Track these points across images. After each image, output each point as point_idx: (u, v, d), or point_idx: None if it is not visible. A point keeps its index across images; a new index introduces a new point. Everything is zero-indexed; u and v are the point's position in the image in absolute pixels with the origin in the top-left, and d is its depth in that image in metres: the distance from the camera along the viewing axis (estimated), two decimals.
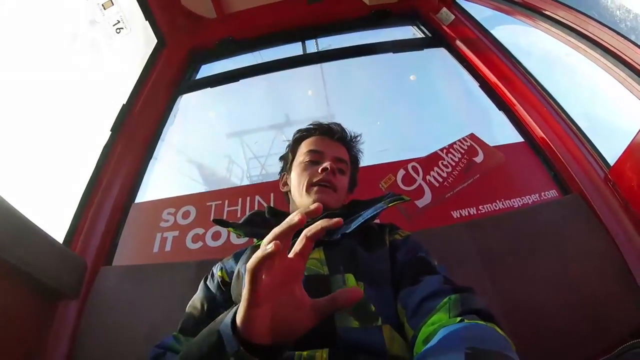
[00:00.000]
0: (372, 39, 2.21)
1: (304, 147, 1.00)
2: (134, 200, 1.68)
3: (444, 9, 1.97)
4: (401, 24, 2.25)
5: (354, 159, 1.07)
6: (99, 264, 1.41)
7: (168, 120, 2.00)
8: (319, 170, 0.92)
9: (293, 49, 2.25)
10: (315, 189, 0.91)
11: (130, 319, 1.21)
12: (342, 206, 0.98)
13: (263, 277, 0.45)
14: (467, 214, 1.41)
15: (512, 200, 1.42)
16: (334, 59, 2.17)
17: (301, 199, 0.93)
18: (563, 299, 1.08)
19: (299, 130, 1.07)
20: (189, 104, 2.12)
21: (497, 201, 1.42)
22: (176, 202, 1.64)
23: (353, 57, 2.13)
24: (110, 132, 1.77)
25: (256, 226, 0.94)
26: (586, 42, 1.37)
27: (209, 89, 2.16)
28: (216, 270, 0.91)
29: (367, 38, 2.24)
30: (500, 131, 1.70)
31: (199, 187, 1.88)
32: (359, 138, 1.08)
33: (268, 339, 0.48)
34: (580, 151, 1.42)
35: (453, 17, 1.95)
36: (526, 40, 1.79)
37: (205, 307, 0.83)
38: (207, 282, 0.90)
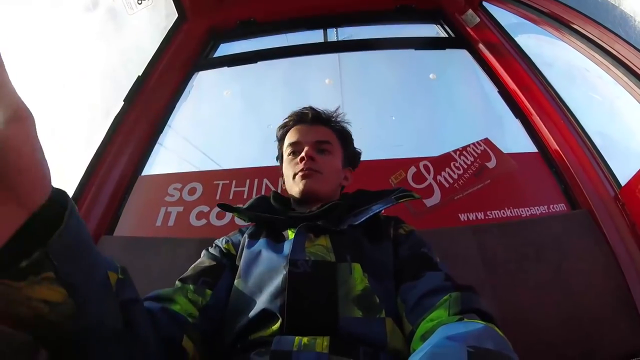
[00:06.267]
0: (393, 33, 2.20)
1: (285, 142, 1.01)
2: (141, 173, 1.68)
3: (470, 11, 1.94)
4: (425, 21, 2.23)
5: (342, 133, 1.05)
6: (100, 232, 1.41)
7: (182, 96, 1.99)
8: (298, 161, 0.93)
9: (313, 36, 2.23)
10: (299, 178, 0.91)
11: None
12: (346, 196, 0.99)
13: None
14: (474, 218, 1.41)
15: (520, 209, 1.41)
16: (356, 49, 2.15)
17: (291, 191, 0.95)
18: (560, 313, 1.08)
19: (279, 127, 1.07)
20: (202, 82, 2.10)
21: (505, 209, 1.42)
22: (183, 178, 1.63)
23: (374, 49, 2.11)
24: (123, 102, 1.76)
25: (260, 211, 0.94)
26: (611, 59, 1.35)
27: (225, 68, 2.14)
28: (221, 243, 0.88)
29: (388, 32, 2.22)
30: (514, 139, 1.69)
31: (205, 165, 1.88)
32: (336, 112, 1.06)
33: None
34: (593, 167, 1.41)
35: (478, 19, 1.91)
36: (550, 51, 1.76)
37: (209, 264, 0.80)
38: (210, 250, 0.86)
